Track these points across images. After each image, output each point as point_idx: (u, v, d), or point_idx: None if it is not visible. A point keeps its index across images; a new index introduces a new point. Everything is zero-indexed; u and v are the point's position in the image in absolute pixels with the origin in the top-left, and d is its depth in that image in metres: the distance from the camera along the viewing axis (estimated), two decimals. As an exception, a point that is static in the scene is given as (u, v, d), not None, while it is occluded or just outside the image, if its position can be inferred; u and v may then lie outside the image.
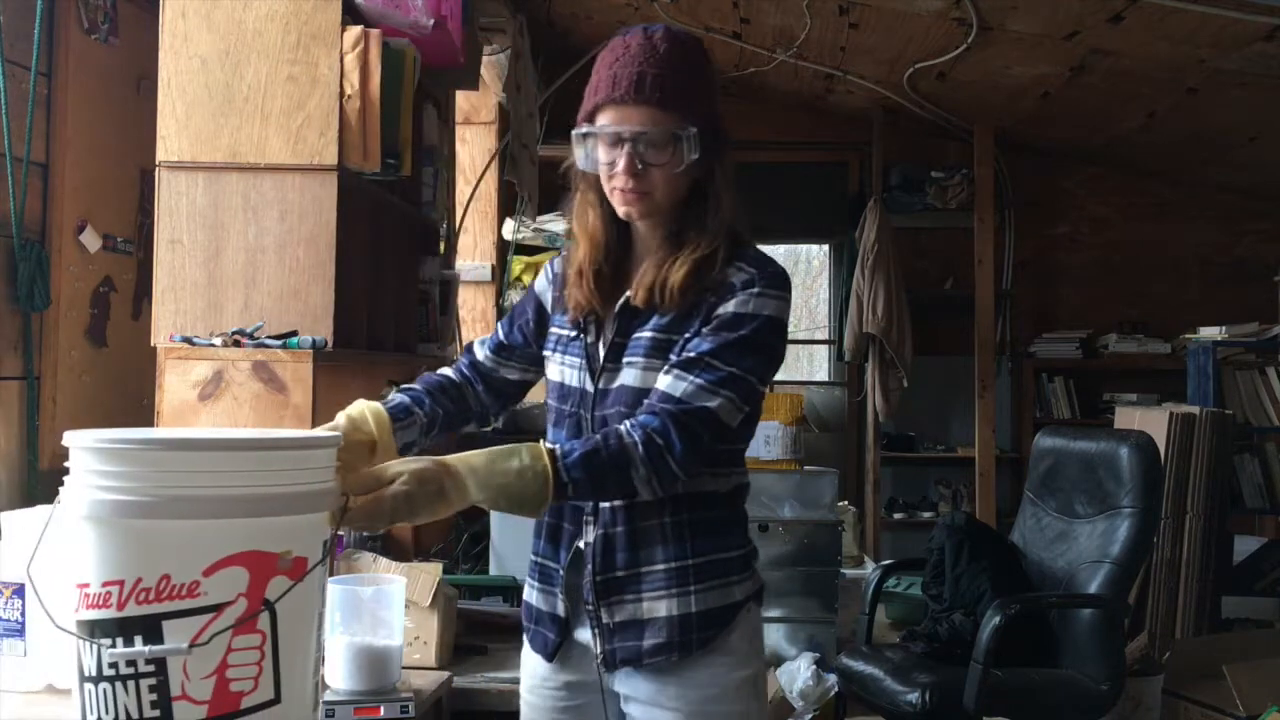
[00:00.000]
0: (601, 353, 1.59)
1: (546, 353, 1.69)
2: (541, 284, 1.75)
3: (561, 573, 1.62)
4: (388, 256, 2.72)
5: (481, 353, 1.78)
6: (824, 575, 4.45)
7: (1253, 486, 4.55)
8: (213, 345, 2.16)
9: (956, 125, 6.03)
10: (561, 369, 1.64)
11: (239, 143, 2.25)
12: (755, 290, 1.53)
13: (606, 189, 1.56)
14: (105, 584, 1.23)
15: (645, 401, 1.52)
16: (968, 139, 6.07)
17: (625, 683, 1.60)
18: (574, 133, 1.56)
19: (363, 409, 1.55)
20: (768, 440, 4.53)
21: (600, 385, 1.58)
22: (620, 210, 1.56)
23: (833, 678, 3.70)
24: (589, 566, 1.58)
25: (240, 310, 2.24)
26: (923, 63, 5.03)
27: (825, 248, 7.15)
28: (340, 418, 1.54)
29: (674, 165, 1.51)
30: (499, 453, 1.44)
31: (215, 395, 2.14)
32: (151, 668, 1.22)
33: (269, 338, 2.17)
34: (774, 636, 4.45)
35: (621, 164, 1.51)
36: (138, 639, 1.22)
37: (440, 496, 1.39)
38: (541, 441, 1.49)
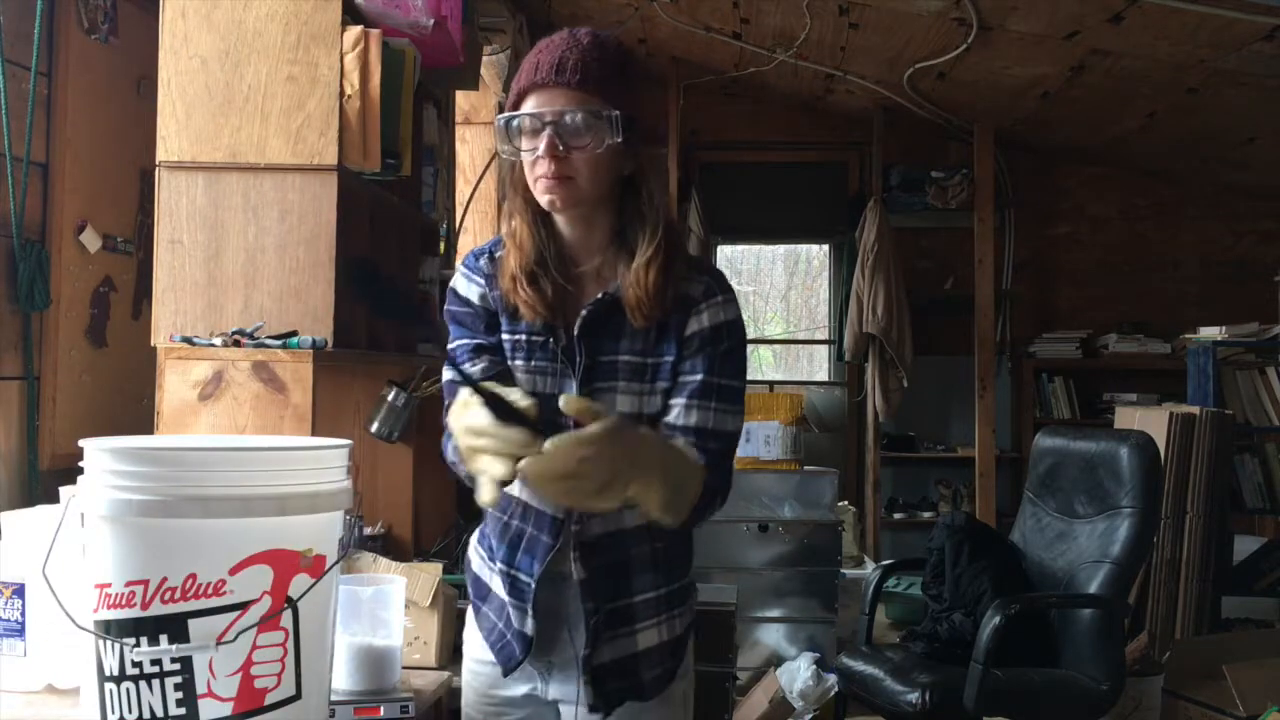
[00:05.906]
0: (575, 365, 1.53)
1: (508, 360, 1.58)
2: (473, 290, 1.59)
3: (533, 588, 1.54)
4: (388, 256, 2.72)
5: (474, 368, 1.56)
6: (824, 575, 4.46)
7: (1253, 486, 4.55)
8: (213, 345, 2.15)
9: (956, 125, 6.03)
10: (529, 376, 1.55)
11: (239, 143, 2.25)
12: (719, 299, 1.54)
13: (530, 180, 1.51)
14: (129, 584, 1.23)
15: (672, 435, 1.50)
16: (968, 139, 6.06)
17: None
18: (496, 121, 1.52)
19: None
20: (768, 440, 4.53)
21: None
22: (543, 199, 1.50)
23: (833, 678, 3.70)
24: (587, 604, 1.52)
25: (240, 310, 2.24)
26: (923, 63, 5.03)
27: (825, 248, 7.15)
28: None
29: (595, 146, 1.47)
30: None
31: (215, 395, 2.14)
32: (177, 666, 1.23)
33: (269, 338, 2.17)
34: (774, 636, 4.46)
35: (542, 146, 1.47)
36: (163, 638, 1.23)
37: (641, 439, 1.36)
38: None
